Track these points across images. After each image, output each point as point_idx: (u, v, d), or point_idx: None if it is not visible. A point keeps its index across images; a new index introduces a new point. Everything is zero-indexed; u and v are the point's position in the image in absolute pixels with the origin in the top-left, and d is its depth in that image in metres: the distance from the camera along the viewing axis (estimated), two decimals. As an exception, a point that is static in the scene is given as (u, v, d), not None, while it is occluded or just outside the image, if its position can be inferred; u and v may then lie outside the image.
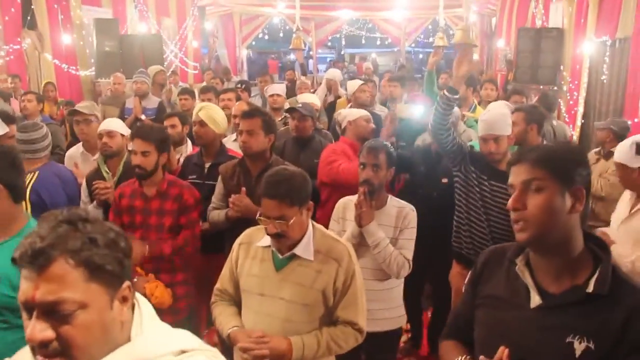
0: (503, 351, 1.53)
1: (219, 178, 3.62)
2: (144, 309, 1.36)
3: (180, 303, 3.41)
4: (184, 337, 1.37)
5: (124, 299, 1.27)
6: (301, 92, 6.93)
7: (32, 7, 8.33)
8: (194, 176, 3.98)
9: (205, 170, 3.97)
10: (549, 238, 1.55)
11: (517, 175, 1.61)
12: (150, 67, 8.03)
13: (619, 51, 6.56)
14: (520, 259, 1.67)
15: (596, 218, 4.81)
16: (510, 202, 1.60)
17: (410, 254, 3.12)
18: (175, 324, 3.30)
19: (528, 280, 1.62)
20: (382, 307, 3.18)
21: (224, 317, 2.51)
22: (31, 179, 3.45)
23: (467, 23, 3.78)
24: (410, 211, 3.19)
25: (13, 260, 1.19)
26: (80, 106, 4.53)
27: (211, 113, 4.07)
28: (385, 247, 3.02)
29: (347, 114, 4.50)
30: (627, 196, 3.38)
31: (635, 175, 3.18)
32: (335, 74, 8.42)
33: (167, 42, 12.59)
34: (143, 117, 6.32)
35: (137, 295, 1.37)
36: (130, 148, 3.52)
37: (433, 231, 3.80)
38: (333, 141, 4.79)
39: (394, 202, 3.23)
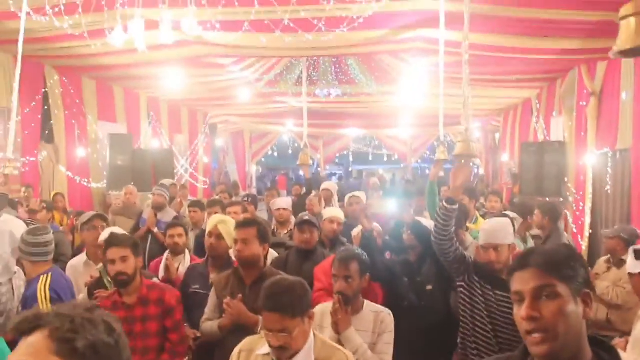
0: None
1: (212, 289, 3.61)
2: None
3: None
4: None
5: None
6: (310, 208, 7.01)
7: (52, 122, 8.69)
8: (197, 286, 3.97)
9: (210, 281, 3.95)
10: (566, 349, 1.45)
11: (525, 282, 1.49)
12: (163, 180, 8.21)
13: (621, 161, 6.67)
14: None
15: (612, 328, 4.70)
16: (524, 311, 1.47)
17: (389, 358, 3.10)
18: None
19: None
20: None
21: None
22: (46, 280, 3.55)
23: (467, 134, 3.89)
24: (387, 315, 3.20)
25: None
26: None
27: (229, 228, 4.10)
28: (364, 353, 2.97)
29: (356, 230, 4.60)
30: None
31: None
32: (330, 185, 8.61)
33: (179, 157, 12.95)
34: (156, 229, 6.38)
35: None
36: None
37: (424, 339, 3.83)
38: None
39: (370, 307, 3.24)
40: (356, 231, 4.60)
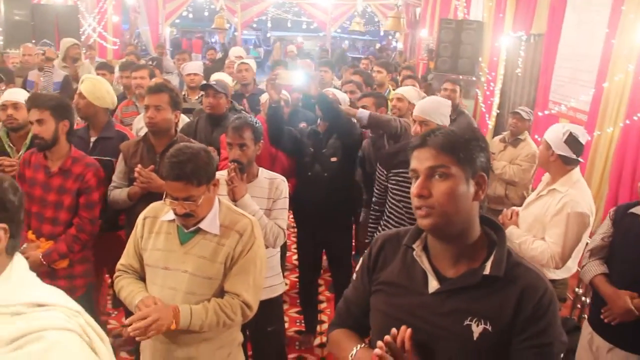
0: (405, 330, 1.51)
1: (120, 156, 3.53)
2: (17, 261, 1.39)
3: (77, 281, 3.33)
4: (48, 293, 1.38)
5: None
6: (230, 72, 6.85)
7: None
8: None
9: (90, 144, 3.81)
10: (452, 225, 1.52)
11: (421, 161, 1.54)
12: (63, 39, 7.65)
13: (533, 46, 6.85)
14: (417, 244, 1.63)
15: (510, 202, 5.04)
16: (415, 188, 1.53)
17: (284, 223, 3.20)
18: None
19: (426, 265, 1.59)
20: None
21: (132, 288, 2.44)
22: None
23: (398, 11, 3.78)
24: (281, 182, 3.25)
25: None
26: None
27: (90, 86, 3.85)
28: (260, 219, 3.01)
29: (264, 96, 4.53)
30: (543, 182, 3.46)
31: (552, 159, 3.28)
32: (239, 52, 8.37)
33: (85, 14, 12.02)
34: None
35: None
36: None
37: (327, 212, 3.99)
38: None
39: (265, 174, 3.28)
40: (264, 98, 4.55)
